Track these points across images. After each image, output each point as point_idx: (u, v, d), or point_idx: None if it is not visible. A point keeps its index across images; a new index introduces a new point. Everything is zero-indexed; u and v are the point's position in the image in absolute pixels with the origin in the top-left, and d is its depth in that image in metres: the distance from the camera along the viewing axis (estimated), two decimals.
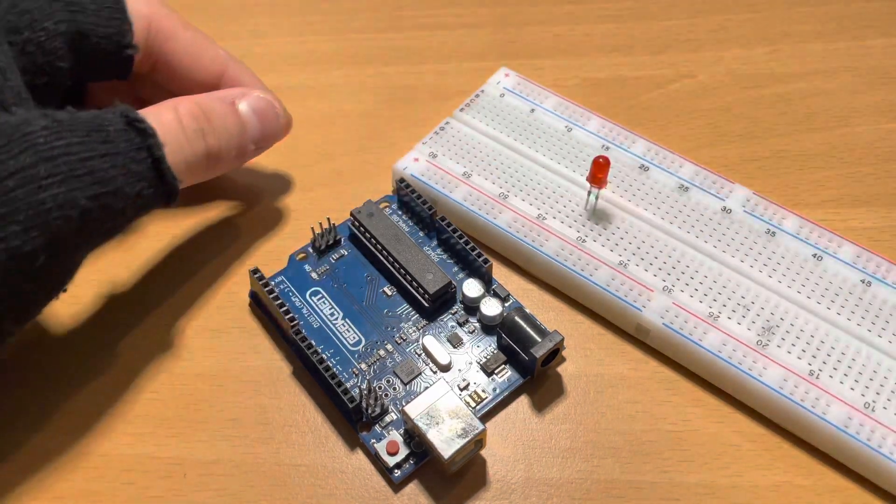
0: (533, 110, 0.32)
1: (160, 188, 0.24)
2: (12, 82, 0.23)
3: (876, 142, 0.33)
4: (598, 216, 0.29)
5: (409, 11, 0.38)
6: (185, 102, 0.25)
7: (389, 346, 0.27)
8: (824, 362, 0.25)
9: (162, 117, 0.24)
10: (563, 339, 0.25)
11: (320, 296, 0.28)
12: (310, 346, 0.25)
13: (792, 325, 0.26)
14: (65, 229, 0.21)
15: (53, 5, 0.25)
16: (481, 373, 0.26)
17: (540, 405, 0.26)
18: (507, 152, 0.31)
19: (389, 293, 0.28)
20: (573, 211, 0.29)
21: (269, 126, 0.28)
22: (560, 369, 0.27)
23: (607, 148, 0.31)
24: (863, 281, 0.27)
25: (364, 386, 0.25)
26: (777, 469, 0.24)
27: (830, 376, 0.24)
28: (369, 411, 0.25)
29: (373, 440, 0.25)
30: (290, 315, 0.26)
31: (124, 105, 0.23)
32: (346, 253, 0.29)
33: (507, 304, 0.28)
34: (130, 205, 0.23)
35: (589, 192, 0.29)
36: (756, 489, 0.24)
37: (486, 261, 0.27)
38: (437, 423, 0.23)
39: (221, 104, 0.26)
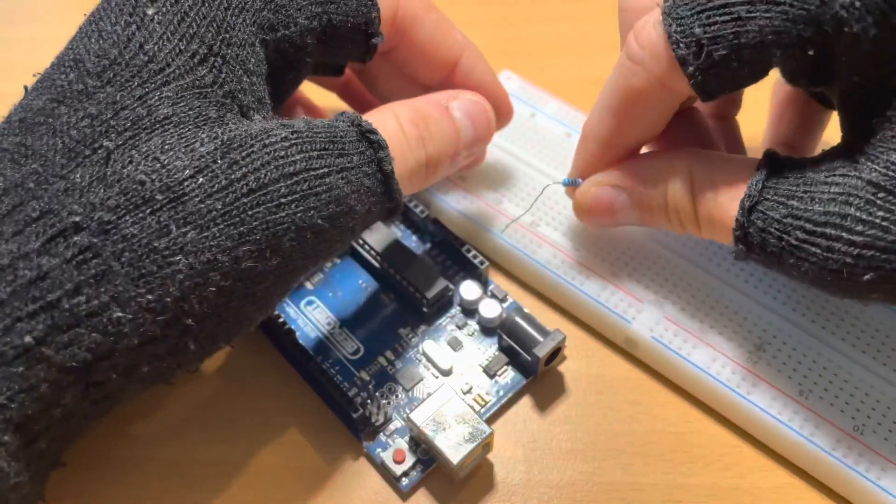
0: (533, 115, 0.30)
1: (386, 203, 0.22)
2: (257, 86, 0.21)
3: None
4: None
5: None
6: (405, 109, 0.23)
7: (389, 354, 0.26)
8: (815, 382, 0.23)
9: (385, 125, 0.22)
10: (564, 338, 0.24)
11: (315, 305, 0.27)
12: (309, 359, 0.24)
13: (784, 343, 0.24)
14: (297, 251, 0.20)
15: None
16: (483, 375, 0.25)
17: (541, 406, 0.25)
18: (504, 156, 0.29)
19: (386, 299, 0.27)
20: (567, 218, 0.28)
21: (481, 130, 0.25)
22: (561, 369, 0.26)
23: None
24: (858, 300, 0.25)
25: (366, 395, 0.24)
26: (779, 471, 0.24)
27: (820, 397, 0.23)
28: (373, 420, 0.24)
29: (378, 449, 0.24)
30: (287, 327, 0.25)
31: (352, 113, 0.22)
32: (340, 260, 0.28)
33: (505, 305, 0.26)
34: (359, 222, 0.21)
35: None
36: (758, 491, 0.23)
37: (482, 262, 0.26)
38: (444, 429, 0.23)
39: (437, 108, 0.24)
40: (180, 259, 0.18)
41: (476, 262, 0.26)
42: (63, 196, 0.18)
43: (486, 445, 0.23)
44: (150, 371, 0.19)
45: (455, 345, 0.26)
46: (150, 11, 0.20)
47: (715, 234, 0.23)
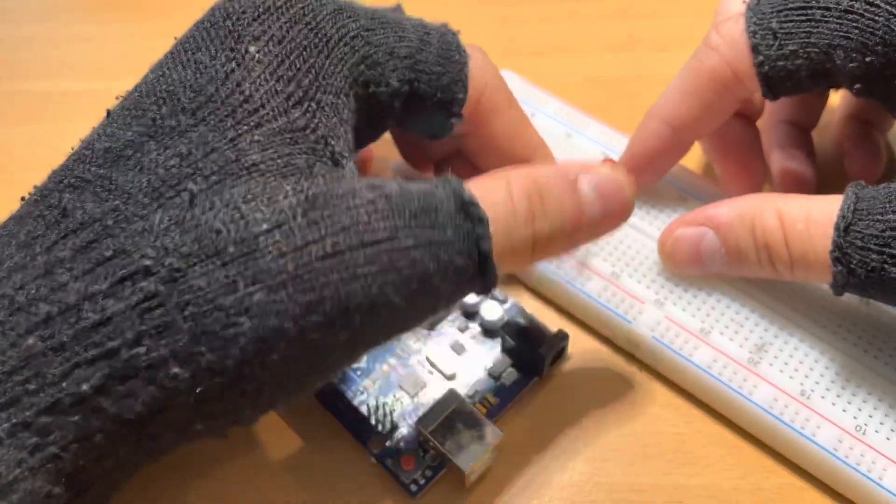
0: (533, 115, 0.30)
1: (478, 282, 0.19)
2: (348, 135, 0.20)
3: None
4: None
5: (409, 10, 0.36)
6: (520, 178, 0.20)
7: (392, 360, 0.25)
8: (817, 382, 0.23)
9: (494, 195, 0.20)
10: (568, 338, 0.24)
11: None
12: None
13: (785, 343, 0.24)
14: (369, 328, 0.18)
15: (403, 62, 0.22)
16: (488, 378, 0.25)
17: (543, 407, 0.25)
18: None
19: None
20: None
21: (613, 209, 0.21)
22: (562, 370, 0.26)
23: (607, 156, 0.29)
24: (861, 300, 0.25)
25: (372, 403, 0.24)
26: (781, 471, 0.23)
27: (822, 397, 0.23)
28: (380, 428, 0.24)
29: (387, 457, 0.23)
30: None
31: (456, 180, 0.19)
32: None
33: (506, 307, 0.26)
34: (442, 301, 0.19)
35: None
36: (759, 491, 0.23)
37: None
38: (453, 434, 0.22)
39: (561, 181, 0.21)
40: (244, 321, 0.17)
41: None
42: (139, 237, 0.17)
43: (496, 448, 0.23)
44: (205, 428, 0.18)
45: (458, 349, 0.25)
46: (252, 49, 0.19)
47: (809, 270, 0.22)
